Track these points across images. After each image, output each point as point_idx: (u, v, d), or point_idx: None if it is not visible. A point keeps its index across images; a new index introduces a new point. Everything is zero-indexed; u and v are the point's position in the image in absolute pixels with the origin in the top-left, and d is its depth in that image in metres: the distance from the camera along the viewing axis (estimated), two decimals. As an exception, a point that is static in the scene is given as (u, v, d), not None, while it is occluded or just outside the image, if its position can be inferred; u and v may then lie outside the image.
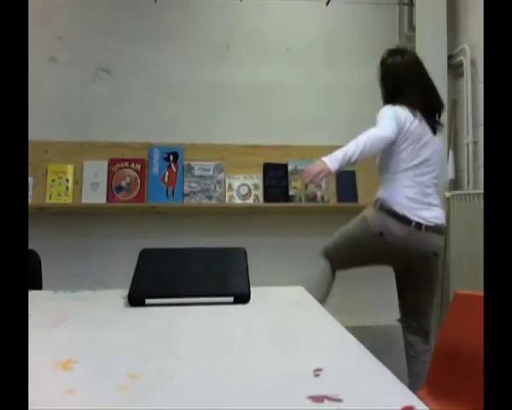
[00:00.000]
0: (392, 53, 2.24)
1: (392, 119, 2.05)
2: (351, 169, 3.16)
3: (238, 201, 3.07)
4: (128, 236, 2.98)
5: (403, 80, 2.16)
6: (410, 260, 2.09)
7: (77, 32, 3.07)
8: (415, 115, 2.08)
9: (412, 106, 2.10)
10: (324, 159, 2.01)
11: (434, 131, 2.14)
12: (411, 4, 3.21)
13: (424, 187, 2.08)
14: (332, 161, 1.99)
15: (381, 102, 3.38)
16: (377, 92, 3.33)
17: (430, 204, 2.07)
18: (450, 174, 2.94)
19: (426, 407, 0.54)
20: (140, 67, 3.11)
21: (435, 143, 2.14)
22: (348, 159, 2.00)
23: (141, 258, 1.29)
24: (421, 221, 2.02)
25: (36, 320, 0.93)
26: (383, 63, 2.26)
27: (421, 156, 2.08)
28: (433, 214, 2.06)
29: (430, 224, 2.03)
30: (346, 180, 3.14)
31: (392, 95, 2.18)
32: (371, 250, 2.16)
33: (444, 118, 2.97)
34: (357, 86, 3.24)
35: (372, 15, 3.26)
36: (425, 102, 2.14)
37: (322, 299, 2.19)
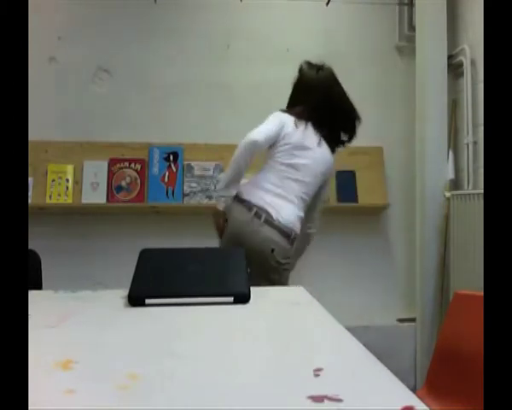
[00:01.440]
0: (309, 65, 2.30)
1: (273, 124, 2.12)
2: (350, 169, 3.16)
3: (238, 201, 3.07)
4: (128, 236, 2.98)
5: (307, 94, 2.23)
6: (251, 251, 2.01)
7: (77, 32, 3.07)
8: (298, 126, 2.15)
9: (302, 118, 2.16)
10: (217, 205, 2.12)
11: (333, 150, 2.23)
12: (411, 4, 3.21)
13: (286, 188, 2.10)
14: (218, 202, 2.11)
15: (382, 103, 3.40)
16: (377, 92, 3.34)
17: (284, 204, 2.08)
18: (451, 174, 2.94)
19: (426, 407, 0.54)
20: (140, 67, 3.11)
21: (318, 158, 2.17)
22: (231, 184, 2.09)
23: (141, 258, 1.29)
24: (261, 212, 2.02)
25: (36, 320, 0.93)
26: (299, 71, 2.34)
27: (294, 160, 2.12)
28: (280, 214, 2.05)
29: (270, 218, 2.02)
30: (345, 180, 3.14)
31: (293, 101, 2.27)
32: (225, 241, 2.12)
33: (444, 118, 2.99)
34: (356, 86, 3.23)
35: (372, 15, 3.25)
36: (327, 121, 2.20)
37: None
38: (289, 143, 2.12)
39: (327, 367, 0.67)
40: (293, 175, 2.12)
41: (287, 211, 2.07)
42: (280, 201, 2.08)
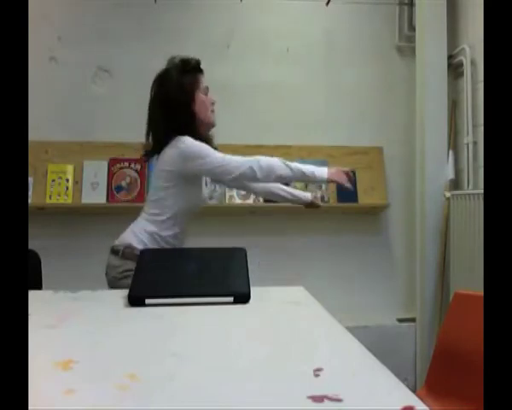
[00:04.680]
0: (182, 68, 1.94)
1: None
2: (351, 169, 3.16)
3: (238, 201, 3.07)
4: (128, 236, 2.97)
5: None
6: None
7: (77, 32, 3.06)
8: None
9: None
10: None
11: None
12: (411, 4, 3.21)
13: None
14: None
15: (382, 103, 3.38)
16: (377, 92, 3.34)
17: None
18: (451, 174, 2.94)
19: (426, 407, 0.54)
20: (140, 67, 3.10)
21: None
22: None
23: (141, 258, 1.29)
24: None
25: (36, 320, 0.93)
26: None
27: None
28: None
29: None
30: (346, 180, 3.14)
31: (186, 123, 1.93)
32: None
33: (444, 118, 2.99)
34: (356, 86, 3.24)
35: (372, 15, 3.25)
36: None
37: None
38: None
39: (327, 367, 0.67)
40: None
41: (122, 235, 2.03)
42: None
